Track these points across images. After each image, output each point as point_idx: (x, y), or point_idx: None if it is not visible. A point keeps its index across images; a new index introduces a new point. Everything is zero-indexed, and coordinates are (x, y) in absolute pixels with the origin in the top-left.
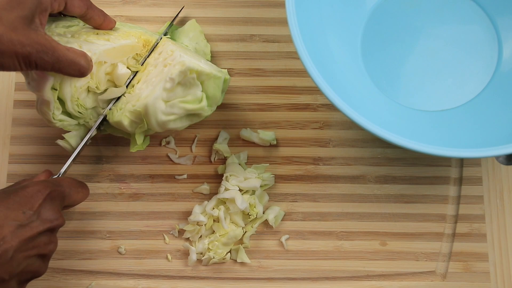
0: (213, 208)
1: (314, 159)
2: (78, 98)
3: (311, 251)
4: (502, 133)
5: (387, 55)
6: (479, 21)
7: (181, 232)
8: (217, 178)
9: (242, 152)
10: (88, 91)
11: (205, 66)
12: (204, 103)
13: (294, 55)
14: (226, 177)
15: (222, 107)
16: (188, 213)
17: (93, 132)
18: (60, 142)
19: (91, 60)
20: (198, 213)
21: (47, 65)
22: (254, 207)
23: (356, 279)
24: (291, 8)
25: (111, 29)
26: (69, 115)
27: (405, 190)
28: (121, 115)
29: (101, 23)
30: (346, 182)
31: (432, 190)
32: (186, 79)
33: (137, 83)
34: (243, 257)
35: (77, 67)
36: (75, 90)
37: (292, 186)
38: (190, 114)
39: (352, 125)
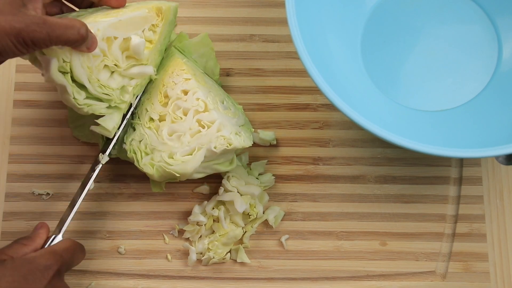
0: (213, 208)
1: (314, 159)
2: (98, 80)
3: (311, 251)
4: (502, 133)
5: (387, 55)
6: (479, 21)
7: (181, 232)
8: (217, 178)
9: (243, 154)
10: (111, 72)
11: (247, 139)
12: (235, 164)
13: (294, 55)
14: (228, 177)
15: None
16: (188, 213)
17: (128, 119)
18: (94, 128)
19: (89, 31)
20: (198, 213)
21: (42, 39)
22: (254, 207)
23: (356, 279)
24: (291, 8)
25: (122, 6)
26: (97, 98)
27: (405, 190)
28: (150, 165)
29: (116, 3)
30: (346, 182)
31: (432, 190)
32: (225, 151)
33: (161, 124)
34: (243, 257)
35: (73, 31)
36: (89, 70)
37: (292, 186)
38: None
39: (352, 125)
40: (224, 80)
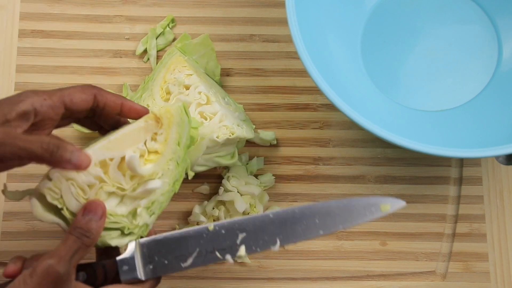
0: (213, 208)
1: (314, 159)
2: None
3: (311, 251)
4: (502, 133)
5: (387, 55)
6: (479, 21)
7: None
8: (217, 178)
9: (243, 153)
10: (121, 197)
11: (248, 131)
12: (236, 158)
13: (294, 55)
14: (228, 177)
15: None
16: (188, 213)
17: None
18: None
19: (75, 149)
20: (198, 213)
21: (6, 152)
22: (254, 207)
23: (356, 279)
24: (291, 8)
25: (139, 112)
26: (105, 228)
27: (405, 190)
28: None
29: (138, 112)
30: (346, 182)
31: (432, 190)
32: (227, 141)
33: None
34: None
35: (37, 145)
36: (85, 201)
37: (292, 186)
38: None
39: (352, 125)
40: (224, 80)
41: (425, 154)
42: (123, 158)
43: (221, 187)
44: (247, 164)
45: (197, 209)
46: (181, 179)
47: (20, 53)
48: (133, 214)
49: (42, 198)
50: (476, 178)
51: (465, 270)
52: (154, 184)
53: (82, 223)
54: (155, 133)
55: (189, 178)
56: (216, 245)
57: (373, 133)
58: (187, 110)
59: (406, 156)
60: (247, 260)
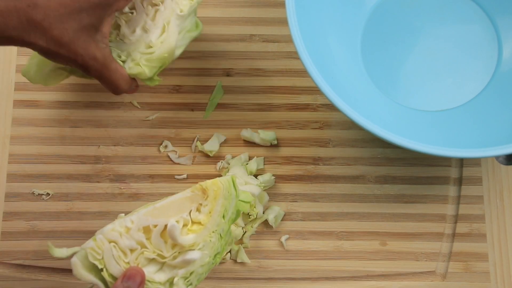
0: None
1: (314, 159)
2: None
3: (311, 251)
4: (502, 133)
5: (387, 55)
6: (479, 21)
7: None
8: None
9: (243, 153)
10: (161, 263)
11: None
12: (201, 26)
13: (294, 55)
14: None
15: (222, 107)
16: None
17: None
18: None
19: (136, 86)
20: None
21: (90, 73)
22: (254, 207)
23: (356, 279)
24: (291, 8)
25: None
26: None
27: (405, 190)
28: (139, 66)
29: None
30: (346, 182)
31: (432, 190)
32: (191, 10)
33: (127, 27)
34: (243, 257)
35: (113, 86)
36: (127, 266)
37: (292, 186)
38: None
39: (352, 125)
40: (224, 80)
41: (425, 154)
42: (166, 226)
43: None
44: (247, 164)
45: None
46: (224, 252)
47: (20, 53)
48: (171, 282)
49: (84, 258)
50: (476, 178)
51: (465, 270)
52: (194, 255)
53: None
54: (200, 204)
55: (232, 250)
56: None
57: (373, 133)
58: (236, 184)
59: (406, 156)
60: (247, 260)
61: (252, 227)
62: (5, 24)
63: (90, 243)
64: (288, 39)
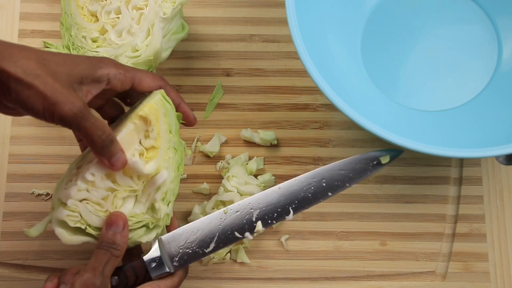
0: (213, 208)
1: (314, 159)
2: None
3: (311, 251)
4: (502, 133)
5: (387, 55)
6: (479, 21)
7: None
8: (217, 178)
9: (243, 153)
10: (135, 196)
11: None
12: (187, 28)
13: (294, 55)
14: (228, 177)
15: (222, 107)
16: (188, 213)
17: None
18: None
19: (121, 151)
20: (198, 213)
21: (70, 121)
22: None
23: (356, 279)
24: (291, 8)
25: (191, 121)
26: (131, 229)
27: (405, 190)
28: None
29: (176, 101)
30: None
31: (432, 190)
32: (175, 12)
33: (103, 34)
34: (243, 257)
35: (99, 132)
36: (106, 213)
37: None
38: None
39: (352, 125)
40: (224, 80)
41: (425, 154)
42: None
43: (221, 187)
44: (247, 164)
45: (197, 209)
46: (183, 161)
47: None
48: (152, 209)
49: (64, 224)
50: (476, 178)
51: (465, 270)
52: (162, 177)
53: (107, 237)
54: (147, 131)
55: (187, 155)
56: (234, 227)
57: (373, 133)
58: (166, 97)
59: (406, 156)
60: (247, 260)
61: None
62: None
63: (62, 211)
64: (288, 39)
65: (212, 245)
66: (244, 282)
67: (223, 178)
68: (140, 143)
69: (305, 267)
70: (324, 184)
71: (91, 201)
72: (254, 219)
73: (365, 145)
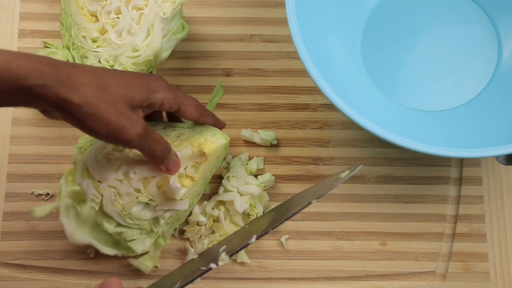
0: (213, 208)
1: (314, 159)
2: (129, 213)
3: (311, 251)
4: (502, 133)
5: (387, 55)
6: (479, 21)
7: (181, 232)
8: (217, 178)
9: (243, 153)
10: (146, 204)
11: None
12: (187, 28)
13: (294, 55)
14: (228, 177)
15: (222, 107)
16: (188, 213)
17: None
18: (132, 261)
19: (175, 155)
20: (198, 213)
21: (134, 144)
22: (254, 207)
23: (356, 279)
24: (291, 8)
25: (222, 128)
26: (128, 227)
27: (405, 190)
28: (126, 70)
29: (214, 123)
30: (345, 182)
31: (432, 190)
32: (175, 12)
33: (104, 33)
34: (243, 257)
35: (161, 147)
36: (121, 207)
37: (292, 186)
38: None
39: (352, 125)
40: (224, 80)
41: (425, 154)
42: (163, 177)
43: (221, 187)
44: (247, 164)
45: (197, 209)
46: (199, 196)
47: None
48: (155, 221)
49: (74, 217)
50: (476, 178)
51: (465, 270)
52: (182, 206)
53: None
54: (197, 163)
55: (206, 191)
56: (200, 264)
57: (373, 133)
58: (227, 146)
59: (406, 156)
60: (247, 260)
61: None
62: (39, 70)
63: (90, 187)
64: (288, 39)
65: (178, 284)
66: (244, 282)
67: (223, 178)
68: (185, 168)
69: (305, 267)
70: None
71: (117, 191)
72: (219, 252)
73: (365, 145)
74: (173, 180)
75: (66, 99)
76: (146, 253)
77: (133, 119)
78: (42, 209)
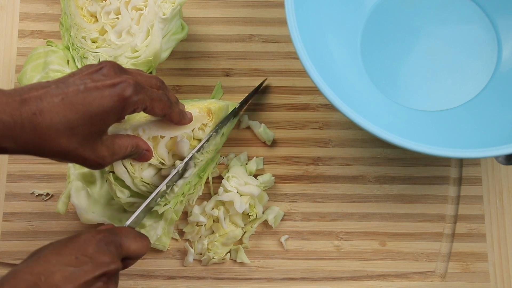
0: (213, 209)
1: (313, 159)
2: (141, 178)
3: (310, 251)
4: (501, 133)
5: (386, 55)
6: (478, 21)
7: (181, 232)
8: (217, 178)
9: (242, 153)
10: (158, 169)
11: None
12: (186, 28)
13: (293, 55)
14: (228, 177)
15: None
16: (188, 213)
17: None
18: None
19: (147, 150)
20: (198, 213)
21: (100, 168)
22: (254, 207)
23: (356, 279)
24: (290, 8)
25: (186, 124)
26: (141, 196)
27: (405, 190)
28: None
29: (177, 123)
30: (345, 182)
31: (431, 190)
32: (174, 13)
33: (104, 34)
34: (242, 257)
35: (130, 148)
36: (132, 168)
37: (291, 186)
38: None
39: (351, 125)
40: (224, 80)
41: (424, 154)
42: (172, 138)
43: (220, 187)
44: (247, 164)
45: (196, 209)
46: (207, 175)
47: (20, 53)
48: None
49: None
50: (475, 178)
51: (464, 270)
52: (188, 172)
53: None
54: (204, 124)
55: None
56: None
57: (373, 133)
58: (228, 109)
59: (406, 156)
60: (246, 260)
61: (251, 227)
62: (6, 135)
63: None
64: (288, 39)
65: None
66: (243, 282)
67: (223, 178)
68: (192, 130)
69: (305, 267)
70: None
71: None
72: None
73: (365, 145)
74: (181, 136)
75: (39, 152)
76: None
77: (98, 151)
78: (60, 203)
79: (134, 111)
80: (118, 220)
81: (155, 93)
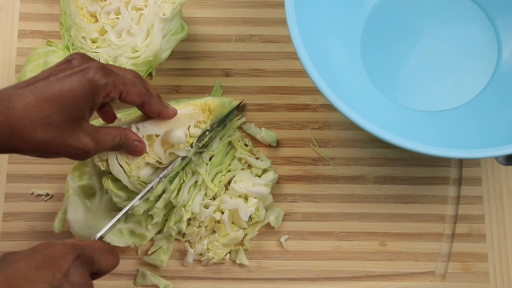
0: (215, 212)
1: (313, 159)
2: (138, 177)
3: (310, 252)
4: (501, 134)
5: (386, 55)
6: (478, 21)
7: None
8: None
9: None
10: (155, 168)
11: None
12: (186, 29)
13: (293, 56)
14: (235, 181)
15: None
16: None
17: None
18: (146, 259)
19: (138, 140)
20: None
21: (86, 159)
22: (258, 210)
23: (356, 280)
24: (290, 8)
25: (170, 118)
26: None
27: (405, 191)
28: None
29: (158, 113)
30: (345, 182)
31: (431, 190)
32: (174, 13)
33: (104, 34)
34: (242, 258)
35: (110, 138)
36: (129, 167)
37: (291, 187)
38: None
39: (351, 125)
40: (224, 80)
41: (424, 155)
42: (167, 136)
43: (224, 195)
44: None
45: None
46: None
47: (20, 53)
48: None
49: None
50: (475, 178)
51: (464, 270)
52: (187, 152)
53: None
54: (200, 122)
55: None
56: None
57: (373, 134)
58: (231, 105)
59: (406, 157)
60: (246, 262)
61: (254, 229)
62: None
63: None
64: (288, 40)
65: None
66: (243, 282)
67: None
68: (188, 128)
69: (305, 267)
70: None
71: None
72: None
73: (365, 145)
74: (176, 131)
75: (17, 149)
76: (160, 247)
77: (78, 136)
78: (57, 220)
79: (108, 95)
80: (119, 232)
81: (128, 79)
